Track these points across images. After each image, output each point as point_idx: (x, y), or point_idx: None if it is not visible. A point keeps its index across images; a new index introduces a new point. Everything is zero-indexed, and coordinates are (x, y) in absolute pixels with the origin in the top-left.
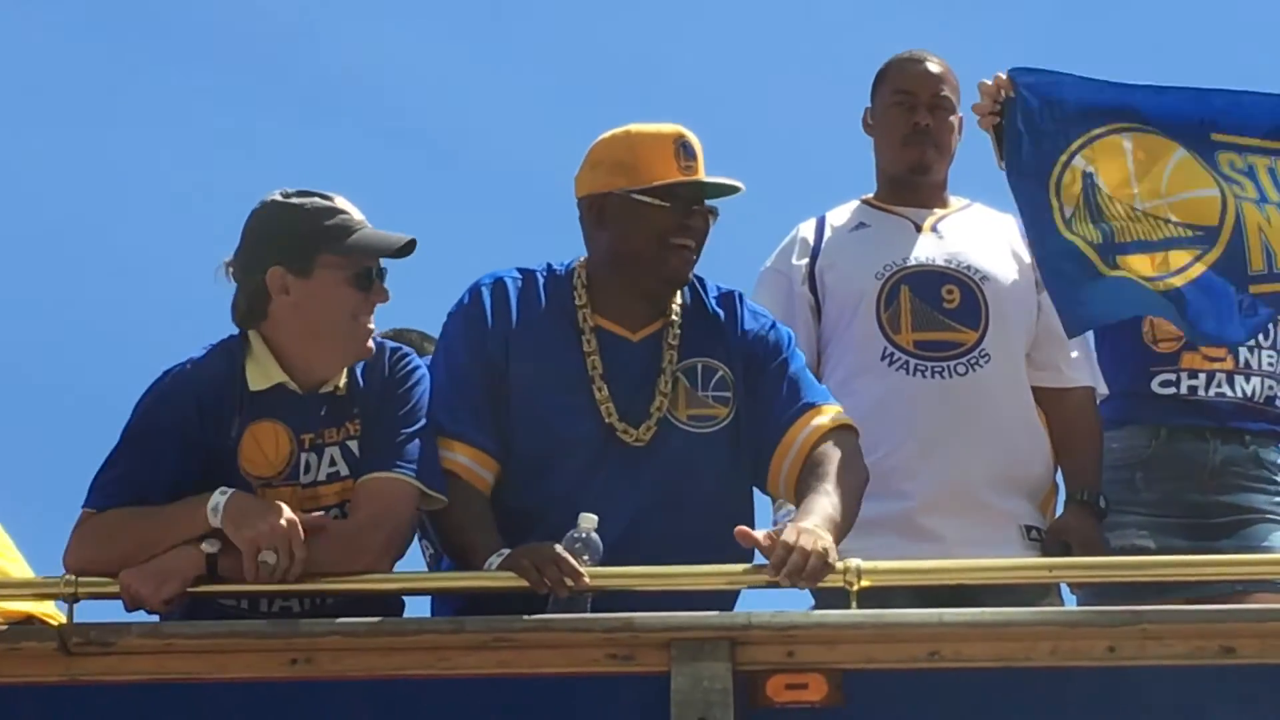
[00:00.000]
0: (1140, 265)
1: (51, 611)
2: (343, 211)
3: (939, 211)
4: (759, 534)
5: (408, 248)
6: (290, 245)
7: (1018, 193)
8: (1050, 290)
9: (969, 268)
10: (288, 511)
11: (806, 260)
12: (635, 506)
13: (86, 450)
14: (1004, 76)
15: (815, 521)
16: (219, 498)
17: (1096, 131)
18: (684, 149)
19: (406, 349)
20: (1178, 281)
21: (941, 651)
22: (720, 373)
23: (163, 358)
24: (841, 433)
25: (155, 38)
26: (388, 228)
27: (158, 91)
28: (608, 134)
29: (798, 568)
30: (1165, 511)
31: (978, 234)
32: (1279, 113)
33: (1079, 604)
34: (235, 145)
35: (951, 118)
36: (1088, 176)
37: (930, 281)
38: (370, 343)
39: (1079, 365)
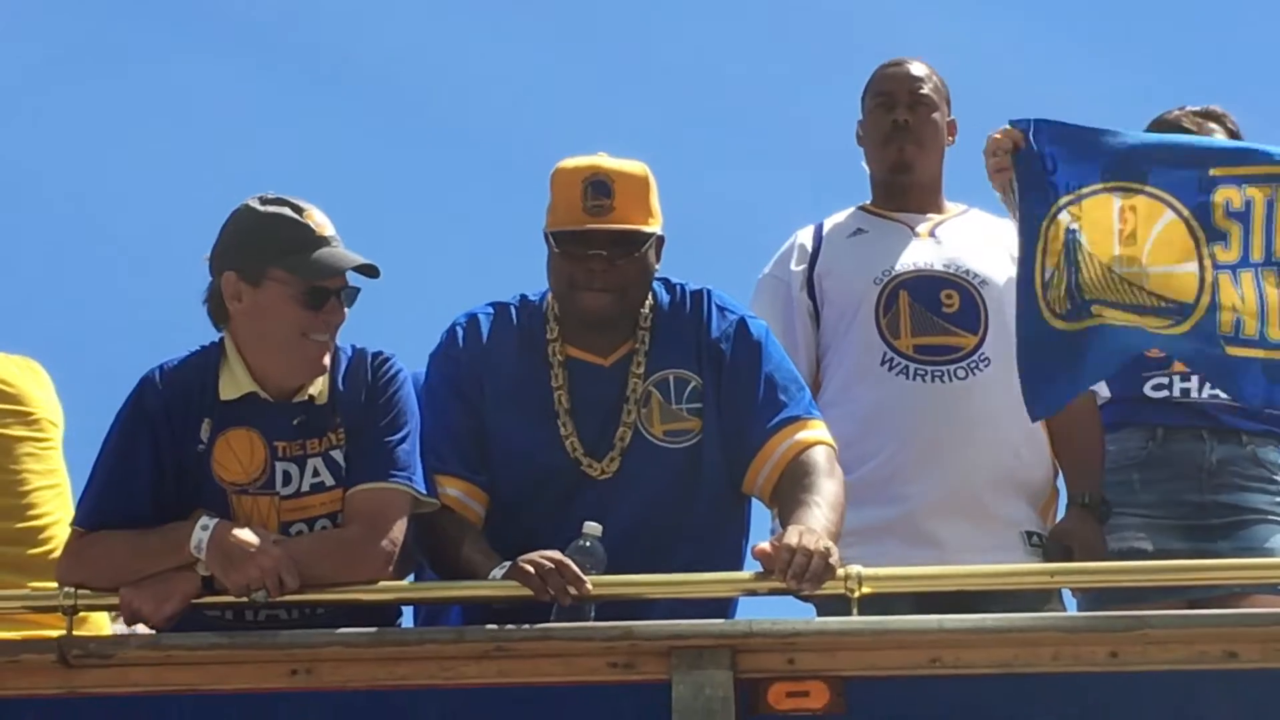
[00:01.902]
0: (1112, 315)
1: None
2: (307, 226)
3: (935, 217)
4: (763, 545)
5: (366, 271)
6: (245, 253)
7: (1020, 248)
8: (1021, 375)
9: (968, 272)
10: (272, 546)
11: (804, 266)
12: (614, 535)
13: None
14: (1011, 129)
15: (813, 524)
16: (201, 533)
17: (1086, 190)
18: (593, 188)
19: (388, 354)
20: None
21: (943, 658)
22: (692, 383)
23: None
24: (823, 446)
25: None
26: (373, 218)
27: (159, 73)
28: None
29: (801, 569)
30: (1163, 513)
31: (976, 239)
32: None
33: (1079, 608)
34: (238, 131)
35: (934, 115)
36: (1071, 233)
37: (929, 286)
38: (324, 361)
39: None
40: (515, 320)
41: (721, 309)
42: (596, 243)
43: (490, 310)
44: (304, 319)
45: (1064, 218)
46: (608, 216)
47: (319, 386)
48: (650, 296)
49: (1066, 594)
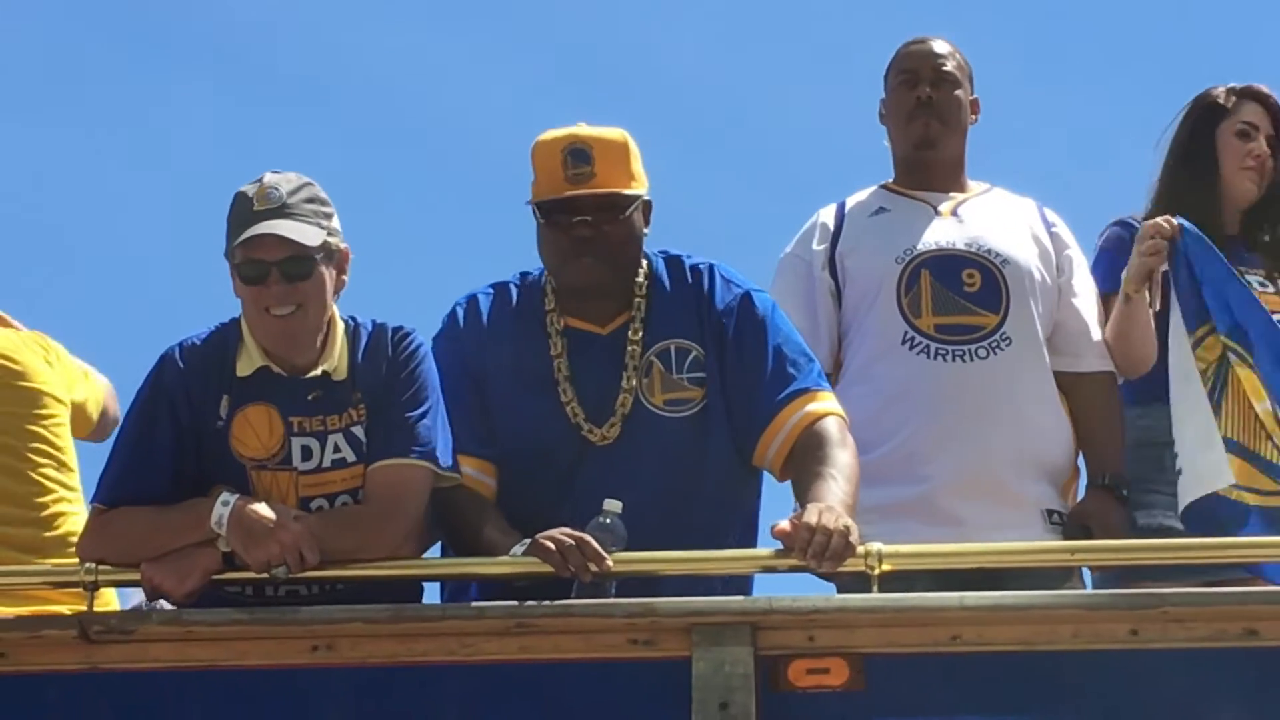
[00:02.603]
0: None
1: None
2: (248, 200)
3: (958, 195)
4: (783, 524)
5: (291, 247)
6: (227, 235)
7: (1170, 349)
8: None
9: (989, 251)
10: (292, 522)
11: (826, 245)
12: (622, 502)
13: None
14: (1173, 221)
15: (831, 503)
16: (221, 509)
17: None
18: (572, 156)
19: (409, 329)
20: (1250, 499)
21: (963, 635)
22: (693, 353)
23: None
24: (834, 417)
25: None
26: (372, 222)
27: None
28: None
29: (821, 548)
30: None
31: (998, 217)
32: None
33: (1096, 586)
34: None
35: (958, 92)
36: (1224, 356)
37: (951, 265)
38: (299, 333)
39: (1100, 350)
40: (514, 296)
41: (727, 281)
42: (580, 209)
43: (490, 290)
44: (253, 294)
45: (1214, 340)
46: (589, 183)
47: (334, 362)
48: (646, 264)
49: (1085, 572)
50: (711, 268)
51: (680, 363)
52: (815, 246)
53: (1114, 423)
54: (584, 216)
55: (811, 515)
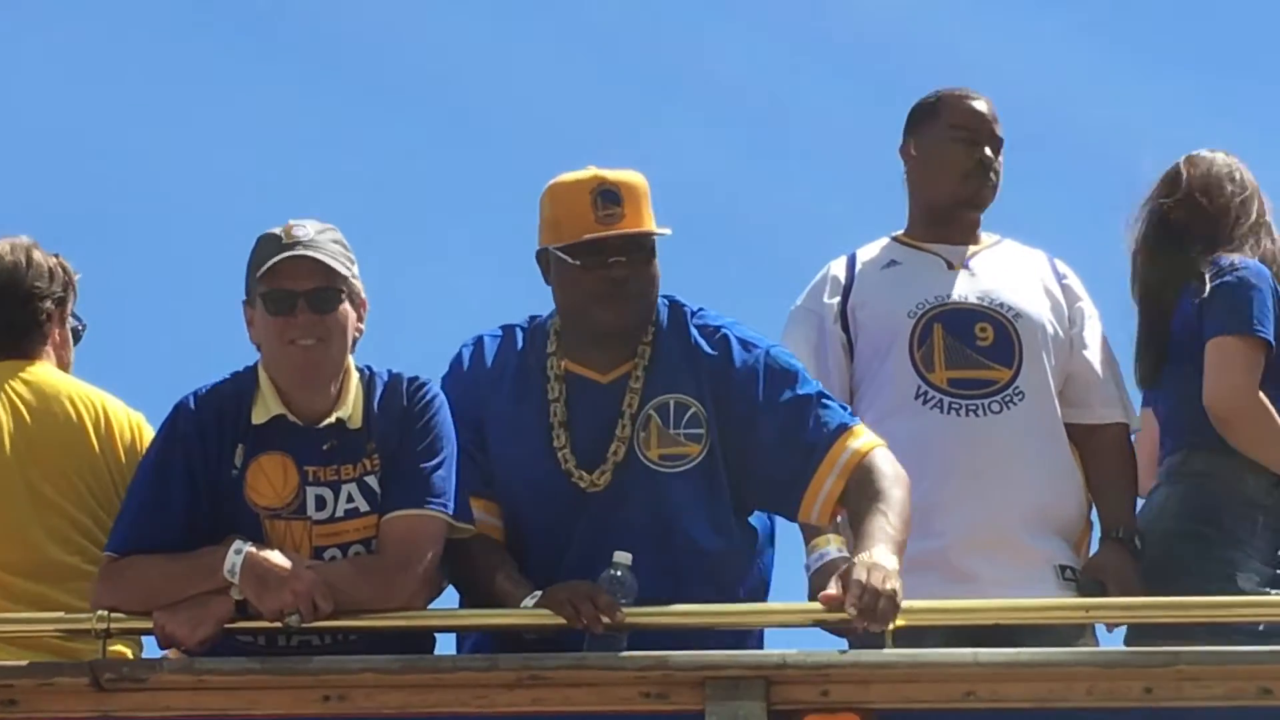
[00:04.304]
0: None
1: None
2: (278, 237)
3: (971, 248)
4: (831, 589)
5: (325, 275)
6: (247, 277)
7: None
8: None
9: (1002, 305)
10: (305, 571)
11: (839, 298)
12: (610, 551)
13: None
14: None
15: (880, 551)
16: (235, 558)
17: None
18: (602, 197)
19: (425, 379)
20: None
21: (977, 692)
22: (692, 409)
23: None
24: (880, 449)
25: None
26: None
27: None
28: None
29: (871, 609)
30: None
31: (1010, 271)
32: None
33: (1129, 642)
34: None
35: (1001, 156)
36: None
37: (963, 319)
38: (319, 368)
39: (1112, 402)
40: (520, 340)
41: (744, 343)
42: (615, 250)
43: (498, 333)
44: (278, 326)
45: None
46: (621, 223)
47: (349, 410)
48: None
49: (1100, 628)
50: (726, 331)
51: (679, 418)
52: (827, 300)
53: (1127, 474)
54: (618, 258)
55: (860, 574)
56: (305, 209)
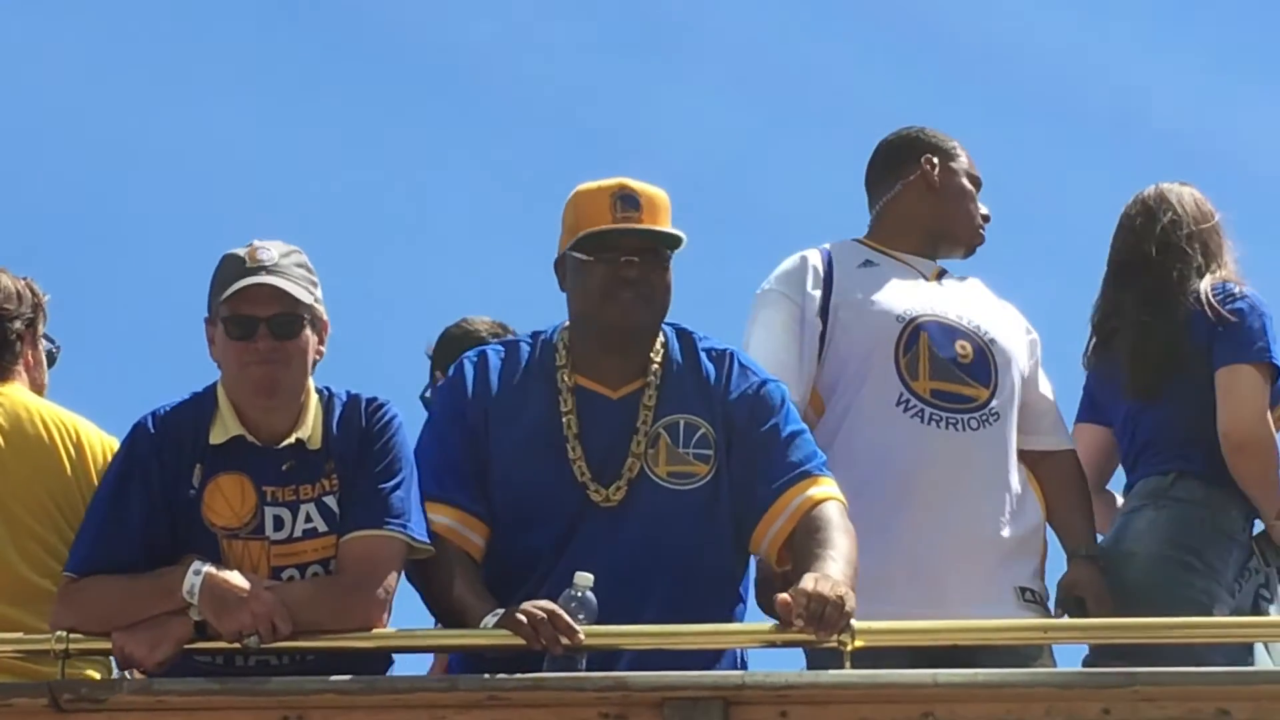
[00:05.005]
0: None
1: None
2: (241, 259)
3: (938, 265)
4: (782, 596)
5: (283, 301)
6: (210, 296)
7: None
8: None
9: (978, 327)
10: (264, 592)
11: (820, 291)
12: (612, 566)
13: None
14: None
15: (829, 568)
16: (194, 578)
17: None
18: (622, 200)
19: (383, 400)
20: None
21: (936, 712)
22: (702, 430)
23: None
24: (834, 502)
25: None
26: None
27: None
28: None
29: (817, 615)
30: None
31: (982, 299)
32: None
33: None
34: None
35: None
36: None
37: (946, 333)
38: (276, 385)
39: (1061, 429)
40: (524, 354)
41: (744, 368)
42: (630, 250)
43: (501, 348)
44: (237, 350)
45: None
46: (638, 224)
47: (308, 430)
48: (661, 337)
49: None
50: (731, 354)
51: (689, 438)
52: (809, 290)
53: (1084, 496)
54: (631, 257)
55: (808, 582)
56: (305, 209)
